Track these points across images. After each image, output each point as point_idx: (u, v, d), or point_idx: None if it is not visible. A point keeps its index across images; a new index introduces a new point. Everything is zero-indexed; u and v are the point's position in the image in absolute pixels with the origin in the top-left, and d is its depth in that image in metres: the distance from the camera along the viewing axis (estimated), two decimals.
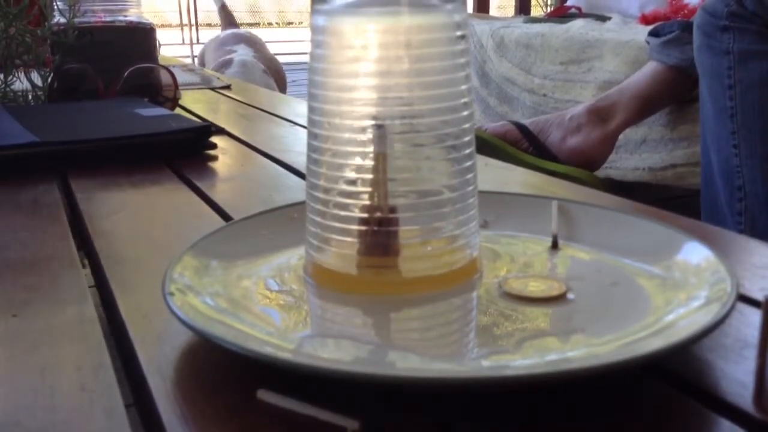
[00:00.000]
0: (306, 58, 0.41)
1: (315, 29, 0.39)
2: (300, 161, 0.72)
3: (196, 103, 1.14)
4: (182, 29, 6.39)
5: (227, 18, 3.05)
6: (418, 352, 0.33)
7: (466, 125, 0.39)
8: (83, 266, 0.46)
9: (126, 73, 0.97)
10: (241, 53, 2.43)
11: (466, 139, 0.39)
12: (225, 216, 0.56)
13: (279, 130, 0.95)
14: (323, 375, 0.29)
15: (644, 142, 1.58)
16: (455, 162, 0.39)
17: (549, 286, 0.38)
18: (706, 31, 1.21)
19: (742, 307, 0.38)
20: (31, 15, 0.95)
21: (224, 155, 0.78)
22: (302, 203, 0.42)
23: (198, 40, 5.93)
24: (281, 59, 2.85)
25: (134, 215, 0.58)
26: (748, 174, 1.17)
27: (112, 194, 0.64)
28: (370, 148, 0.37)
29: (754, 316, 0.37)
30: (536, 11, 3.87)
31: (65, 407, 0.30)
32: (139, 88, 0.99)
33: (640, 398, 0.30)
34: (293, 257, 0.43)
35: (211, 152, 0.78)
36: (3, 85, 0.96)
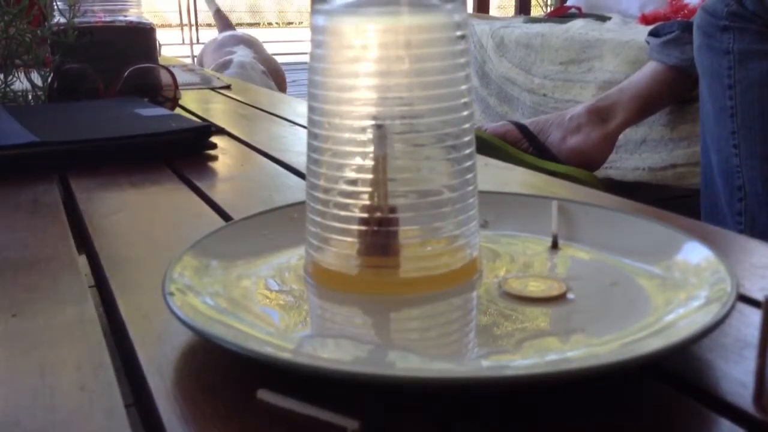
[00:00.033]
0: (306, 58, 0.41)
1: (315, 29, 0.39)
2: (300, 161, 0.72)
3: (196, 103, 1.14)
4: (182, 29, 6.40)
5: (223, 21, 3.05)
6: (418, 352, 0.33)
7: (466, 125, 0.39)
8: (83, 266, 0.46)
9: (126, 73, 0.97)
10: (240, 54, 2.43)
11: (466, 139, 0.39)
12: (225, 216, 0.56)
13: (279, 130, 0.95)
14: (323, 375, 0.29)
15: (644, 142, 1.58)
16: (455, 162, 0.39)
17: (549, 286, 0.38)
18: (706, 31, 1.21)
19: (742, 307, 0.38)
20: (31, 15, 0.95)
21: (224, 155, 0.78)
22: (302, 203, 0.42)
23: (198, 40, 5.94)
24: (281, 59, 2.85)
25: (134, 215, 0.58)
26: (748, 174, 1.17)
27: (112, 194, 0.64)
28: (370, 148, 0.37)
29: (754, 316, 0.37)
30: (536, 11, 3.87)
31: (65, 407, 0.30)
32: (139, 88, 0.99)
33: (640, 398, 0.30)
34: (293, 257, 0.43)
35: (211, 152, 0.78)
36: (3, 85, 0.96)
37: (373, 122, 0.37)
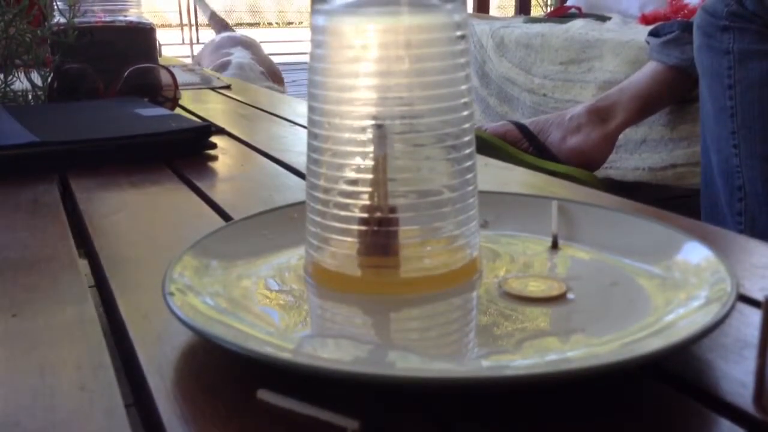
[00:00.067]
0: (306, 58, 0.41)
1: (315, 29, 0.39)
2: (300, 161, 0.72)
3: (196, 103, 1.14)
4: (182, 29, 6.40)
5: (219, 23, 3.05)
6: (418, 352, 0.33)
7: (466, 125, 0.39)
8: (83, 266, 0.46)
9: (126, 73, 0.97)
10: (237, 56, 2.42)
11: (466, 139, 0.39)
12: (225, 216, 0.56)
13: (279, 130, 0.95)
14: (323, 375, 0.29)
15: (644, 142, 1.58)
16: (455, 162, 0.39)
17: (549, 286, 0.38)
18: (706, 31, 1.21)
19: (742, 307, 0.38)
20: (31, 15, 0.95)
21: (224, 155, 0.78)
22: (302, 203, 0.42)
23: (198, 40, 5.94)
24: (281, 59, 2.85)
25: (134, 215, 0.58)
26: (748, 174, 1.17)
27: (112, 194, 0.64)
28: (370, 148, 0.37)
29: (754, 316, 0.37)
30: (536, 11, 3.87)
31: (65, 407, 0.30)
32: (139, 88, 0.99)
33: (640, 398, 0.30)
34: (293, 257, 0.43)
35: (211, 152, 0.78)
36: (3, 85, 0.96)
37: (373, 122, 0.37)
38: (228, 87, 1.34)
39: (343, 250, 0.38)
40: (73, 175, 0.68)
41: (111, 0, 1.03)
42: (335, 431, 0.27)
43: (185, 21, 6.34)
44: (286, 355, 0.32)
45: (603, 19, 2.04)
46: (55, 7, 0.98)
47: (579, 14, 2.17)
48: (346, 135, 0.38)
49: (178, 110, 1.02)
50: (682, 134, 1.53)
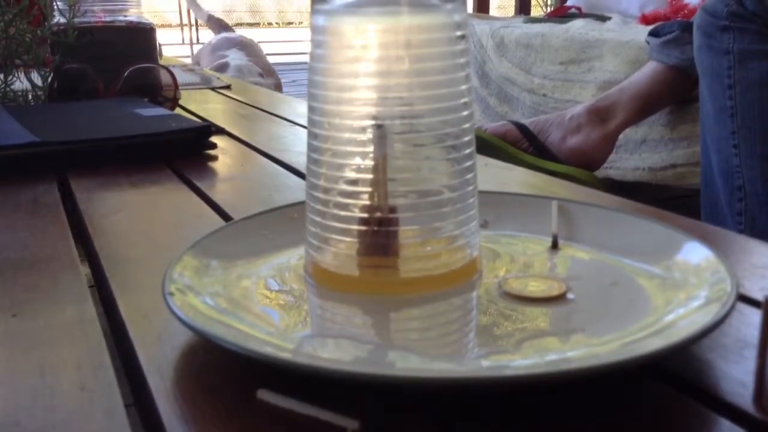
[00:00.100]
0: (306, 58, 0.41)
1: (315, 29, 0.39)
2: (300, 161, 0.72)
3: (196, 103, 1.14)
4: (182, 29, 6.40)
5: (217, 24, 3.05)
6: (418, 352, 0.33)
7: (466, 125, 0.39)
8: (83, 266, 0.46)
9: (126, 73, 0.97)
10: (234, 58, 2.42)
11: (466, 139, 0.39)
12: (225, 216, 0.56)
13: (279, 130, 0.95)
14: (323, 375, 0.29)
15: (644, 142, 1.58)
16: (455, 162, 0.39)
17: (549, 286, 0.38)
18: (706, 31, 1.21)
19: (742, 307, 0.38)
20: (31, 15, 0.95)
21: (224, 155, 0.78)
22: (302, 203, 0.42)
23: (198, 40, 5.94)
24: (281, 59, 2.85)
25: (134, 215, 0.58)
26: (748, 174, 1.17)
27: (112, 194, 0.64)
28: (370, 148, 0.37)
29: (754, 316, 0.37)
30: (536, 11, 3.87)
31: (65, 407, 0.30)
32: (139, 88, 0.99)
33: (640, 398, 0.30)
34: (293, 257, 0.43)
35: (211, 152, 0.78)
36: (3, 85, 0.96)
37: (373, 122, 0.37)
38: (228, 87, 1.34)
39: (343, 250, 0.38)
40: (73, 175, 0.68)
41: (111, 0, 1.03)
42: (335, 431, 0.27)
43: (185, 21, 6.34)
44: (286, 355, 0.32)
45: (603, 19, 2.04)
46: (55, 7, 0.98)
47: (579, 14, 2.17)
48: (346, 135, 0.38)
49: (178, 110, 1.02)
50: (682, 134, 1.53)
